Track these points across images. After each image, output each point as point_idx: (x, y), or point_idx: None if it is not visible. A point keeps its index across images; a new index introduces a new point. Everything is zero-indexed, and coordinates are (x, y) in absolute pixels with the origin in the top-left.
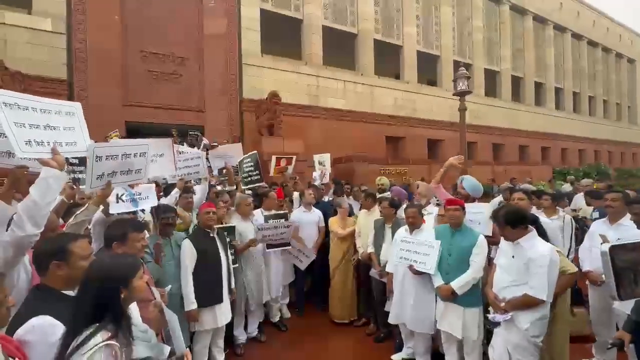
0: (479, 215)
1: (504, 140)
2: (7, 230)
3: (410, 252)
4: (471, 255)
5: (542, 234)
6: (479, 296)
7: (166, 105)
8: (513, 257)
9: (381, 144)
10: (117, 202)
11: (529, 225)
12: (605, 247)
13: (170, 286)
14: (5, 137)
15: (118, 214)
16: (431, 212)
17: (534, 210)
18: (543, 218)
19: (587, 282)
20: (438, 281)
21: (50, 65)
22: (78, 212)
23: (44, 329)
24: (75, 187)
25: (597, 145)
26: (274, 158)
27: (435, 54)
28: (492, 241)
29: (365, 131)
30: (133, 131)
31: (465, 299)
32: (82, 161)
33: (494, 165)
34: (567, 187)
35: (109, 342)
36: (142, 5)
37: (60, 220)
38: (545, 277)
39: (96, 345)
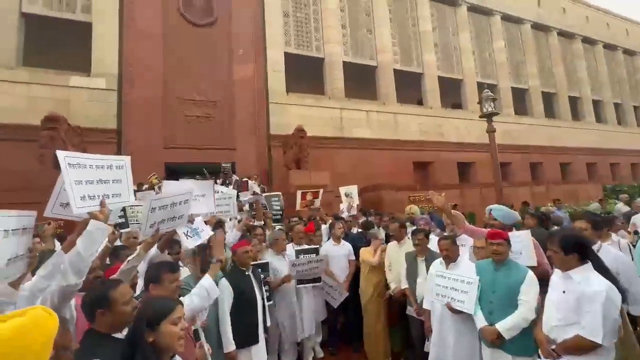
0: (520, 244)
1: (543, 158)
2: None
3: (447, 288)
4: (519, 294)
5: (602, 268)
6: (532, 342)
7: (200, 146)
8: (564, 292)
9: (409, 170)
10: (187, 238)
11: (586, 257)
12: None
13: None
14: (65, 190)
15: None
16: (464, 244)
17: None
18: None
19: None
20: (481, 322)
21: (103, 118)
22: (130, 257)
23: None
24: (115, 232)
25: None
26: (299, 193)
27: (458, 78)
28: (540, 273)
29: (392, 158)
30: (171, 171)
31: (515, 345)
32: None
33: (532, 185)
34: (621, 207)
35: None
36: (181, 58)
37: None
38: (599, 316)
39: None
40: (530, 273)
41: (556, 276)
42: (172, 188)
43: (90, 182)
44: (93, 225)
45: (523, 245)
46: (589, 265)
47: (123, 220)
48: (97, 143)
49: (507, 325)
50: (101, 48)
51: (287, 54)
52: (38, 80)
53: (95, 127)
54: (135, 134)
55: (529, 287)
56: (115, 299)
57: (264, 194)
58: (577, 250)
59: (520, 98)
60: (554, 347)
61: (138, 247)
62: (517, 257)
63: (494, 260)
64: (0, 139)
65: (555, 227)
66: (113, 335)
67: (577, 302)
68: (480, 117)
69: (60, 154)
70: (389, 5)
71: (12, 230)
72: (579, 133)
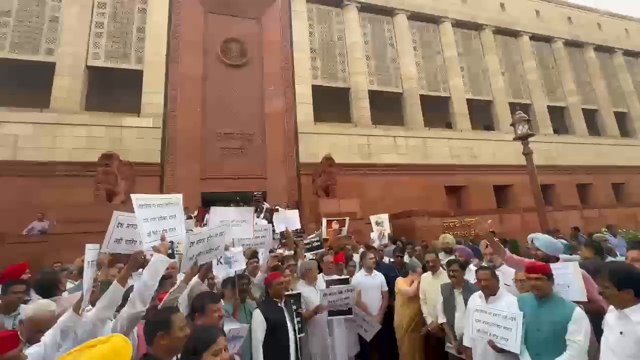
0: (566, 277)
1: (591, 179)
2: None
3: (488, 324)
4: (567, 334)
5: None
6: None
7: (234, 176)
8: (621, 333)
9: (441, 195)
10: (217, 264)
11: None
12: None
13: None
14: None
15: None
16: (508, 284)
17: None
18: None
19: None
20: None
21: (150, 153)
22: (172, 289)
23: None
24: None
25: None
26: (324, 220)
27: (487, 99)
28: (594, 310)
29: (423, 184)
30: (208, 201)
31: None
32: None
33: (582, 210)
34: None
35: None
36: (218, 96)
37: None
38: None
39: None
40: (578, 310)
41: (612, 315)
42: (219, 213)
43: (153, 219)
44: (157, 257)
45: (571, 278)
46: None
47: (170, 251)
48: (144, 176)
49: None
50: (149, 92)
51: (314, 87)
52: (96, 122)
53: (142, 162)
54: (175, 166)
55: (577, 325)
56: (174, 323)
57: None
58: (631, 285)
59: (558, 116)
60: None
61: (179, 280)
62: (565, 291)
63: (535, 295)
64: (64, 175)
65: (610, 258)
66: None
67: (637, 345)
68: (514, 139)
69: (133, 197)
70: (412, 35)
71: (90, 262)
72: (630, 150)
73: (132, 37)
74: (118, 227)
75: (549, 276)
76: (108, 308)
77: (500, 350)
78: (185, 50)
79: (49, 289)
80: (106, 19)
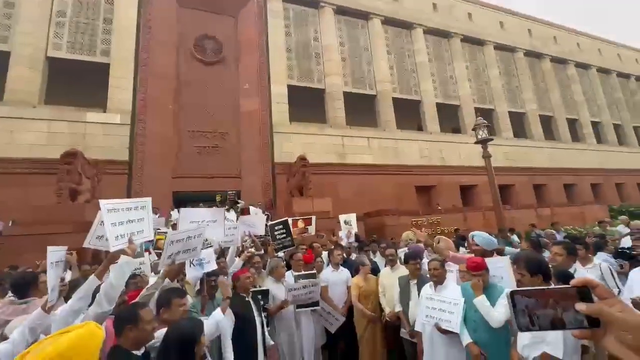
0: (500, 269)
1: (546, 180)
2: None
3: (435, 309)
4: (496, 306)
5: None
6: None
7: (208, 175)
8: None
9: (412, 195)
10: (190, 266)
11: (550, 279)
12: None
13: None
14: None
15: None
16: (452, 270)
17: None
18: (579, 269)
19: None
20: (466, 339)
21: (117, 150)
22: (149, 285)
23: None
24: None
25: None
26: (289, 220)
27: (455, 104)
28: None
29: (395, 184)
30: (180, 200)
31: (497, 359)
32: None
33: (536, 208)
34: (622, 229)
35: None
36: (191, 94)
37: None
38: (560, 334)
39: None
40: (507, 290)
41: None
42: (188, 215)
43: (121, 222)
44: (123, 259)
45: (504, 271)
46: None
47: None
48: (111, 174)
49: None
50: (117, 86)
51: (290, 86)
52: (58, 117)
53: (109, 159)
54: (145, 165)
55: (503, 300)
56: (142, 318)
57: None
58: (541, 272)
59: (518, 121)
60: None
61: (156, 276)
62: (500, 282)
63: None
64: (22, 173)
65: (547, 252)
66: (134, 352)
67: None
68: (475, 142)
69: (101, 203)
70: (386, 40)
71: (55, 262)
72: (580, 154)
73: (98, 29)
74: (101, 224)
75: (487, 270)
76: (83, 299)
77: (445, 332)
78: (156, 45)
79: (25, 289)
80: (69, 8)
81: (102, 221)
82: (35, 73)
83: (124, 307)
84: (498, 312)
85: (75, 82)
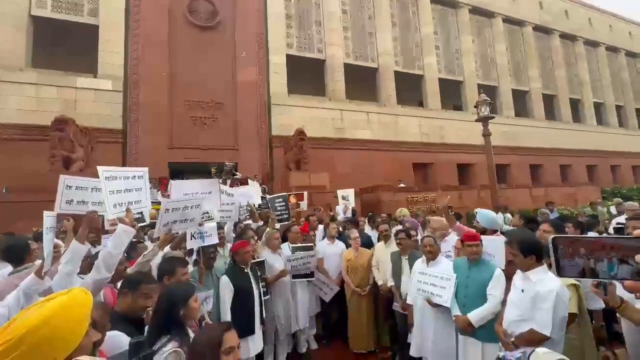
0: (494, 248)
1: (542, 160)
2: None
3: (427, 284)
4: (488, 289)
5: None
6: None
7: (205, 146)
8: (522, 290)
9: (409, 171)
10: (191, 239)
11: (542, 259)
12: None
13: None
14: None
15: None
16: (449, 241)
17: None
18: None
19: (618, 316)
20: (455, 312)
21: (110, 118)
22: (145, 252)
23: (116, 340)
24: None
25: None
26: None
27: (459, 80)
28: (510, 273)
29: (392, 160)
30: (176, 171)
31: (484, 334)
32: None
33: (531, 188)
34: (614, 210)
35: (177, 349)
36: (186, 61)
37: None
38: (550, 313)
39: (168, 351)
40: (498, 270)
41: (517, 276)
42: (180, 187)
43: (119, 191)
44: (121, 228)
45: (497, 249)
46: (545, 267)
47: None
48: (104, 143)
49: (477, 317)
50: (108, 50)
51: (289, 56)
52: (46, 82)
53: (102, 127)
54: (140, 135)
55: (496, 282)
56: (141, 288)
57: (268, 196)
58: (534, 252)
59: (521, 100)
60: (512, 339)
61: (153, 244)
62: (491, 259)
63: (470, 260)
64: (11, 139)
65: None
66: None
67: (532, 300)
68: (476, 120)
69: (100, 169)
70: (391, 8)
71: (49, 227)
72: (579, 135)
73: None
74: (67, 189)
75: (481, 242)
76: (70, 262)
77: (435, 305)
78: (147, 6)
79: (21, 256)
80: None
81: (68, 186)
82: (19, 33)
83: (132, 273)
84: (494, 296)
85: (62, 45)
